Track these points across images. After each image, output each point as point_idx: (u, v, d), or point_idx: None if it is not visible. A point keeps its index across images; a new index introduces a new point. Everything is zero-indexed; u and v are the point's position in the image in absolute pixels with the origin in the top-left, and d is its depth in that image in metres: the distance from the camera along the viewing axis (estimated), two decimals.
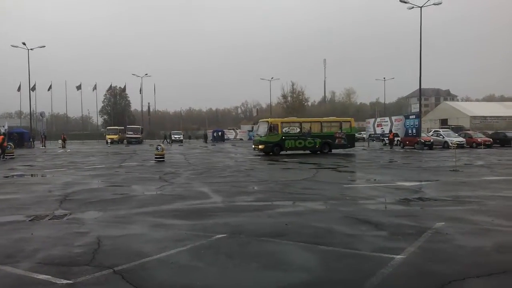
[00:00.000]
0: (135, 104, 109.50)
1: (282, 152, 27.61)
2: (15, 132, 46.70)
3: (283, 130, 27.60)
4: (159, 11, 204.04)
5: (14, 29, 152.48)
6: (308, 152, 28.50)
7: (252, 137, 35.68)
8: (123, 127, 66.03)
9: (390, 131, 37.61)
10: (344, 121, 30.14)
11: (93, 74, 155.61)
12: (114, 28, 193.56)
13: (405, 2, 36.75)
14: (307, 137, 28.01)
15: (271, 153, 27.20)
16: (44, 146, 47.06)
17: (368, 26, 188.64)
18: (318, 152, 28.36)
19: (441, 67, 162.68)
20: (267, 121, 28.63)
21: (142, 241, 6.30)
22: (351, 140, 29.74)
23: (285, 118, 32.83)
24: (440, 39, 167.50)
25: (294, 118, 33.68)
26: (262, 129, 28.40)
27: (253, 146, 29.17)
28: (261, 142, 27.48)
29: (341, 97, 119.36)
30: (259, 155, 26.64)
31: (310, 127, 28.53)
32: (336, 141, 28.76)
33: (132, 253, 5.58)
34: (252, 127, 31.41)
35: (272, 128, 27.21)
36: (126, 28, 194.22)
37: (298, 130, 28.04)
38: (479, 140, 36.94)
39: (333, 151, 28.87)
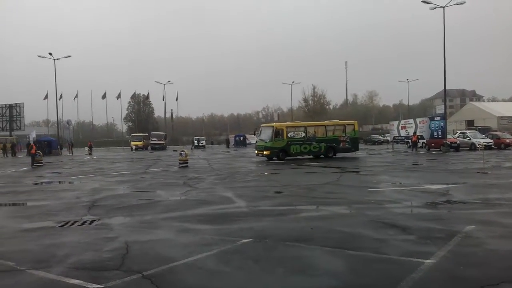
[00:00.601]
0: (159, 111, 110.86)
1: (287, 158, 26.77)
2: (43, 140, 48.00)
3: (288, 135, 26.90)
4: (178, 19, 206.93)
5: (36, 40, 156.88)
6: (311, 156, 27.74)
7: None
8: (147, 134, 67.17)
9: (414, 133, 36.94)
10: (348, 124, 29.57)
11: (117, 83, 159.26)
12: (135, 37, 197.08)
13: (427, 3, 36.18)
14: (312, 141, 27.27)
15: (274, 159, 26.32)
16: (71, 153, 48.19)
17: (390, 27, 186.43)
18: (322, 156, 27.65)
19: (466, 67, 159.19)
20: (272, 126, 27.82)
21: (169, 245, 6.37)
22: (355, 143, 29.11)
23: (290, 122, 32.10)
24: (465, 39, 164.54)
25: (299, 122, 32.81)
26: (265, 134, 27.49)
27: (256, 152, 28.11)
28: (266, 148, 26.55)
29: (363, 99, 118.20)
30: (281, 160, 26.45)
31: (315, 131, 27.88)
32: (341, 145, 28.15)
33: (160, 258, 5.65)
34: (254, 132, 30.30)
35: (277, 133, 26.53)
36: (147, 37, 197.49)
37: (303, 134, 27.33)
38: (507, 141, 35.99)
39: (338, 155, 28.24)
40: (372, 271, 5.01)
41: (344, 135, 28.45)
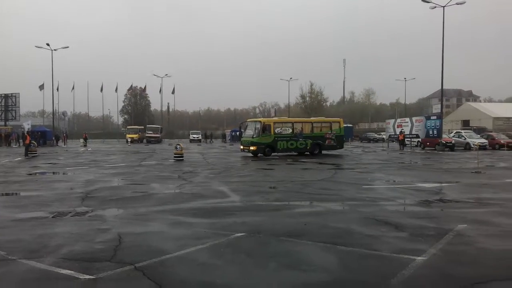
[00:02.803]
0: (155, 104, 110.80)
1: (273, 154, 26.32)
2: (37, 130, 47.77)
3: (276, 131, 26.45)
4: (177, 13, 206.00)
5: (35, 31, 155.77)
6: (295, 153, 27.29)
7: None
8: (143, 127, 66.98)
9: (400, 132, 37.41)
10: (333, 122, 29.39)
11: (114, 74, 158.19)
12: (133, 30, 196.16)
13: (428, 2, 36.11)
14: (299, 138, 26.89)
15: (260, 155, 25.83)
16: (65, 145, 48.01)
17: (389, 26, 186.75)
18: (308, 153, 27.37)
19: (463, 67, 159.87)
20: (260, 121, 27.38)
21: (162, 238, 6.36)
22: (340, 141, 28.99)
23: (277, 118, 31.74)
24: (463, 39, 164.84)
25: (286, 118, 32.49)
26: (251, 129, 26.91)
27: (241, 147, 27.51)
28: (252, 143, 25.95)
29: (360, 97, 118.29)
30: (277, 155, 26.40)
31: (302, 128, 27.50)
32: (326, 142, 27.94)
33: (153, 250, 5.65)
34: (240, 127, 29.71)
35: (264, 129, 25.98)
36: (145, 29, 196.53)
37: (290, 130, 26.97)
38: (502, 141, 36.13)
39: (323, 152, 28.02)
40: (364, 267, 5.04)
41: (330, 132, 28.29)
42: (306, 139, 27.17)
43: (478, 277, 4.63)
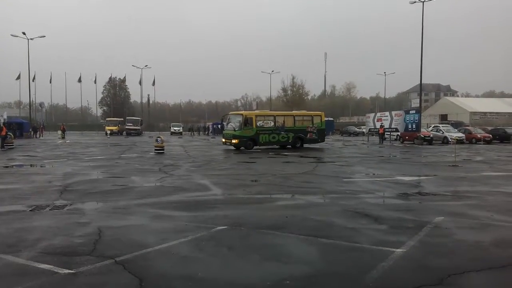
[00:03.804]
0: (135, 96, 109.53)
1: (255, 147, 26.28)
2: (14, 122, 46.64)
3: (258, 124, 26.31)
4: (159, 3, 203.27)
5: (13, 17, 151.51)
6: (277, 147, 27.27)
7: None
8: (122, 119, 66.07)
9: (381, 126, 38.01)
10: (315, 115, 29.50)
11: (93, 65, 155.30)
12: (114, 19, 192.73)
13: None
14: (281, 131, 26.90)
15: (242, 148, 25.75)
16: (42, 136, 47.04)
17: (370, 21, 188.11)
18: (289, 146, 27.40)
19: (442, 63, 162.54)
20: (241, 114, 27.24)
21: (142, 232, 6.31)
22: (321, 134, 29.18)
23: (259, 111, 31.90)
24: (442, 35, 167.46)
25: (268, 112, 32.71)
26: (234, 122, 26.86)
27: (223, 141, 27.46)
28: (234, 137, 25.87)
29: (341, 91, 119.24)
30: (259, 148, 26.42)
31: (284, 121, 27.47)
32: (308, 135, 28.03)
33: (133, 244, 5.60)
34: (222, 120, 29.47)
35: (246, 122, 25.85)
36: (125, 17, 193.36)
37: (272, 124, 26.92)
38: (478, 136, 36.95)
39: (305, 145, 28.11)
40: (344, 259, 5.10)
41: (311, 125, 28.36)
42: (288, 132, 27.18)
43: (454, 268, 4.74)
